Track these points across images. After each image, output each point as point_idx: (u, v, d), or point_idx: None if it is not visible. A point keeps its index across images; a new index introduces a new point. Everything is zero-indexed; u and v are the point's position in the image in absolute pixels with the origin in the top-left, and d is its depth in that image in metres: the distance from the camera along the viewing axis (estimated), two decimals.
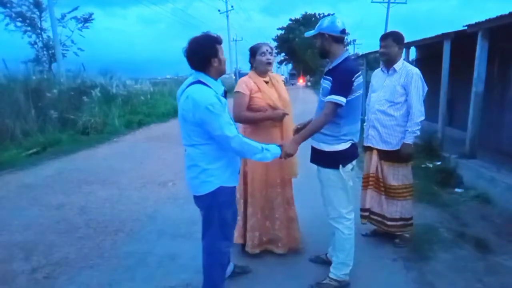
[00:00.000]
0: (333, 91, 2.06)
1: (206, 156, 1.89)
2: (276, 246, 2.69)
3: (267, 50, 2.50)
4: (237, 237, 2.66)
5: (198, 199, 2.01)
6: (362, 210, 2.95)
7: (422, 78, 2.68)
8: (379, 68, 2.91)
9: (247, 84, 2.49)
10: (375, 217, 2.89)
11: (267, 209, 2.63)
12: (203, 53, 1.83)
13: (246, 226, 2.65)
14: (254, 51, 2.52)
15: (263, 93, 2.49)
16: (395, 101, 2.68)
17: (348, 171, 2.21)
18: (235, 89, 2.50)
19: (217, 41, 1.86)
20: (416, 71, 2.68)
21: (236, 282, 2.44)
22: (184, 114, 1.83)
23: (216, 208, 1.97)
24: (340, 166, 2.17)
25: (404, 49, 6.85)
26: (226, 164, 1.95)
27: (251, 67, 2.61)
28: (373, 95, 2.87)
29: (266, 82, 2.57)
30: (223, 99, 1.86)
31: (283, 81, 2.81)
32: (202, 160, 1.89)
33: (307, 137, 2.15)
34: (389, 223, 2.82)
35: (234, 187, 2.08)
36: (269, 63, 2.52)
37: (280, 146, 2.06)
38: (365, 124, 2.90)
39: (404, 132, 2.68)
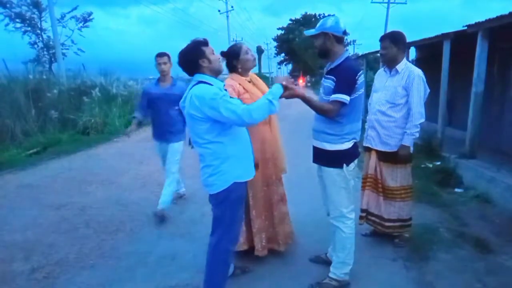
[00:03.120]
0: (337, 90, 2.07)
1: (217, 154, 1.94)
2: (277, 244, 2.67)
3: (248, 48, 2.51)
4: (242, 244, 2.58)
5: (212, 197, 2.04)
6: (361, 210, 2.95)
7: (424, 79, 2.66)
8: (382, 68, 2.90)
9: (234, 87, 2.42)
10: (373, 218, 2.89)
11: (266, 208, 2.63)
12: (190, 57, 1.95)
13: (250, 230, 2.61)
14: (236, 53, 2.46)
15: (251, 93, 2.46)
16: (396, 102, 2.66)
17: (351, 170, 2.22)
18: None
19: (201, 43, 1.97)
20: (418, 72, 2.64)
21: (236, 282, 2.44)
22: (192, 114, 1.88)
23: (229, 205, 2.01)
24: (344, 165, 2.18)
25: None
26: (237, 160, 1.99)
27: (231, 71, 2.52)
28: (374, 95, 2.85)
29: (249, 81, 2.55)
30: (224, 91, 1.95)
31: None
32: (214, 159, 1.95)
33: (306, 103, 2.11)
34: (386, 224, 2.81)
35: (246, 181, 2.09)
36: (255, 59, 2.54)
37: (283, 86, 1.98)
38: (366, 124, 2.90)
39: (403, 134, 2.66)
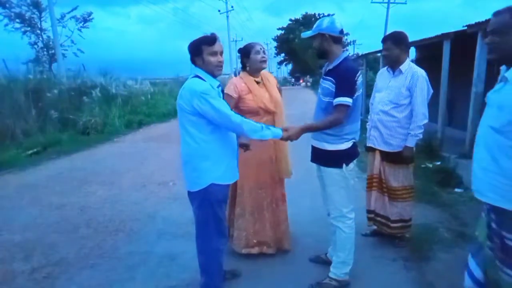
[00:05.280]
0: (340, 93, 2.07)
1: (199, 152, 1.93)
2: (267, 246, 2.67)
3: (260, 49, 2.51)
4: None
5: (191, 195, 2.04)
6: (368, 211, 2.94)
7: (428, 80, 2.64)
8: (385, 68, 2.87)
9: (237, 85, 2.46)
10: (379, 219, 2.88)
11: (256, 210, 2.60)
12: (189, 51, 1.97)
13: (231, 224, 2.63)
14: (247, 51, 2.50)
15: (254, 95, 2.46)
16: (399, 102, 2.64)
17: (350, 170, 2.22)
18: (225, 91, 2.44)
19: (204, 41, 1.91)
20: (422, 73, 2.62)
21: (236, 282, 2.44)
22: (181, 105, 1.90)
23: (208, 205, 1.99)
24: (344, 165, 2.18)
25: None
26: (219, 161, 1.98)
27: (243, 68, 2.60)
28: (377, 95, 2.82)
29: (258, 83, 2.55)
30: (217, 89, 1.96)
31: (276, 80, 2.81)
32: (195, 157, 1.94)
33: (312, 131, 2.18)
34: (392, 224, 2.80)
35: (228, 185, 2.09)
36: (264, 61, 2.52)
37: (283, 129, 2.08)
38: (368, 124, 2.89)
39: (406, 134, 2.64)
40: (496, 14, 1.56)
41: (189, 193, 2.05)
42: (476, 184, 1.70)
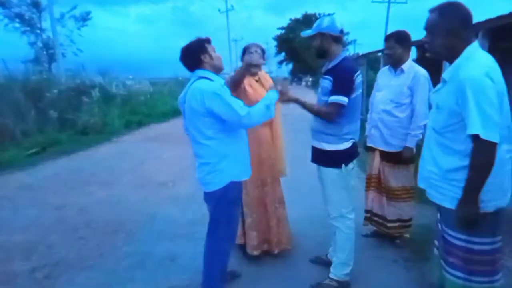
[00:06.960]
0: (335, 92, 2.07)
1: (217, 151, 1.94)
2: (270, 245, 2.68)
3: (255, 51, 2.46)
4: (238, 237, 2.63)
5: (208, 195, 2.04)
6: (365, 211, 2.94)
7: (430, 80, 2.63)
8: (386, 67, 2.86)
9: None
10: (376, 219, 2.88)
11: (261, 208, 2.63)
12: (193, 52, 1.97)
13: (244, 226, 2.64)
14: (244, 50, 2.55)
15: (255, 90, 2.49)
16: (401, 102, 2.62)
17: (350, 170, 2.22)
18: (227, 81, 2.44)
19: (205, 40, 2.00)
20: (423, 72, 2.62)
21: (236, 283, 2.44)
22: (193, 107, 1.88)
23: (226, 204, 2.00)
24: (343, 165, 2.17)
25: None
26: (235, 158, 1.99)
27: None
28: (377, 94, 2.81)
29: (256, 81, 2.58)
30: (226, 87, 1.97)
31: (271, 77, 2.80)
32: (213, 157, 1.94)
33: (302, 106, 2.15)
34: (389, 224, 2.80)
35: (242, 181, 2.10)
36: (255, 66, 2.42)
37: (277, 91, 2.07)
38: (367, 123, 2.88)
39: (407, 134, 2.63)
40: (430, 11, 1.57)
41: (205, 193, 2.05)
42: (424, 185, 1.73)
